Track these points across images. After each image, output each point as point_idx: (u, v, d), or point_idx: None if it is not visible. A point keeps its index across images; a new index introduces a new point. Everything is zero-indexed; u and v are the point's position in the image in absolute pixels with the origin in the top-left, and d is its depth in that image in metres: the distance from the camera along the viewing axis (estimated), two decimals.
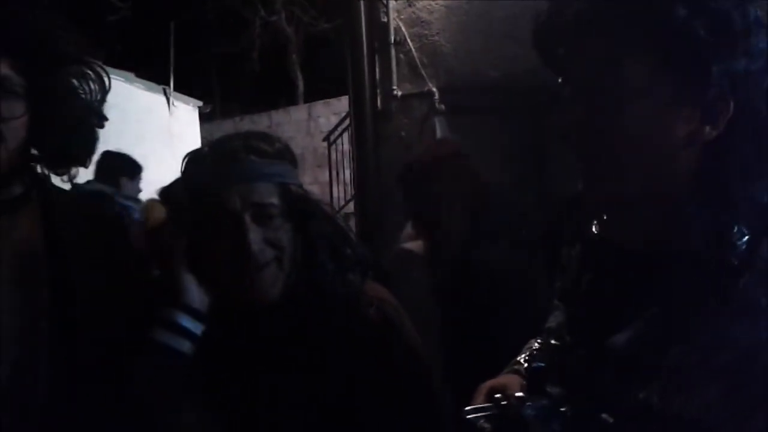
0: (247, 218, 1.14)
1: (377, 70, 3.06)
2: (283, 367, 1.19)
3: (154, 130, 8.45)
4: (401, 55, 3.04)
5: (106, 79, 1.28)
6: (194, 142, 9.26)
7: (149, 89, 9.57)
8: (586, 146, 0.84)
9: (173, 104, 10.10)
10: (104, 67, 1.32)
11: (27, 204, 1.23)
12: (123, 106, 7.44)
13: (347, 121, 6.03)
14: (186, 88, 10.52)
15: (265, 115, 10.65)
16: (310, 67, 12.78)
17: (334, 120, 8.65)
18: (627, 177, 0.82)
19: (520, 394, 1.01)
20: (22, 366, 1.14)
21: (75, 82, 1.24)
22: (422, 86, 3.04)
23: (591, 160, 0.84)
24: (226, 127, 9.90)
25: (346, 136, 7.39)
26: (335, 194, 7.83)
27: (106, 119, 1.30)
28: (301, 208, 1.21)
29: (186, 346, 1.13)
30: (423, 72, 3.00)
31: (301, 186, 1.24)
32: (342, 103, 8.65)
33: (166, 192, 1.25)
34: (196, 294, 1.15)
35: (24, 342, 1.16)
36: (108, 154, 3.39)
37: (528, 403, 0.96)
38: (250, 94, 12.69)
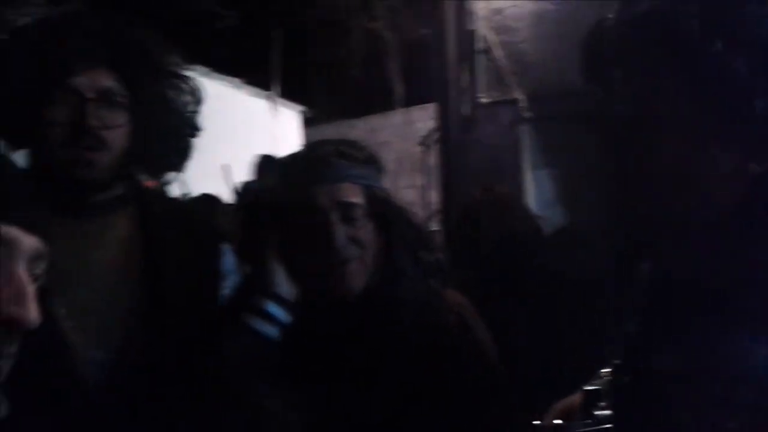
0: (334, 216, 1.22)
1: (464, 77, 3.07)
2: (359, 364, 1.26)
3: (259, 135, 8.73)
4: (488, 63, 3.04)
5: (199, 92, 1.40)
6: (297, 146, 9.48)
7: (255, 95, 9.93)
8: (624, 172, 0.85)
9: (278, 109, 10.42)
10: (198, 79, 1.43)
11: (126, 206, 1.36)
12: (231, 112, 7.76)
13: None
14: (290, 93, 10.81)
15: (363, 120, 10.77)
16: (409, 73, 12.80)
17: (431, 125, 8.63)
18: (663, 208, 0.81)
19: (558, 420, 1.01)
20: (121, 354, 1.26)
21: (171, 94, 1.36)
22: (508, 94, 3.03)
23: (627, 186, 0.85)
24: (326, 131, 10.08)
25: None
26: (430, 198, 7.83)
27: (200, 129, 1.42)
28: (385, 212, 1.28)
29: (273, 332, 1.22)
30: (509, 80, 2.98)
31: (385, 191, 1.31)
32: None
33: (256, 190, 1.35)
34: (285, 285, 1.24)
35: (121, 333, 1.27)
36: (268, 159, 3.48)
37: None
38: (350, 98, 12.85)
